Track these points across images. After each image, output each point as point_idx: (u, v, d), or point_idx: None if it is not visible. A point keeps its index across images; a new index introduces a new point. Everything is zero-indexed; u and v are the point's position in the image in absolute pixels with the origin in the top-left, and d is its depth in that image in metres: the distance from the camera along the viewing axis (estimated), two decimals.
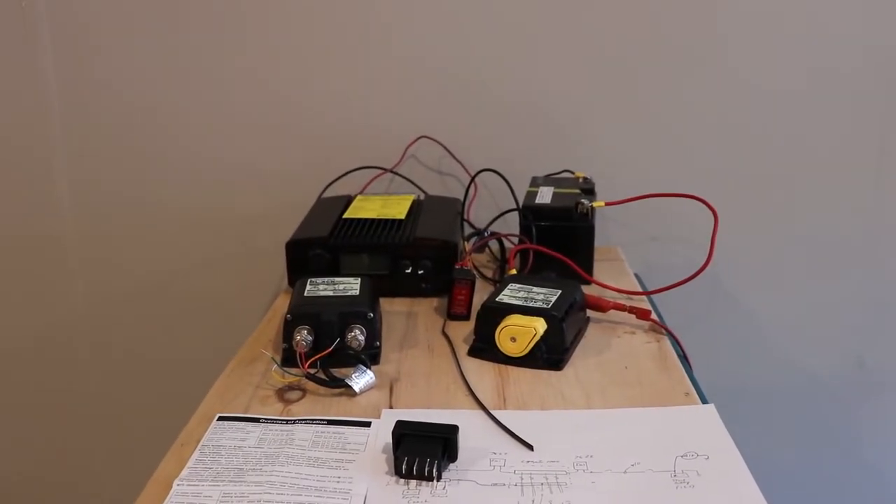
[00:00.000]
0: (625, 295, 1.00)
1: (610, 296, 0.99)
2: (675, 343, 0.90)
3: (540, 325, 0.82)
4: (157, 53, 1.24)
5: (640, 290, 1.03)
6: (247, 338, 0.92)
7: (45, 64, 1.25)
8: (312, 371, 0.80)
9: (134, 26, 1.23)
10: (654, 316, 0.93)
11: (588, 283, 1.01)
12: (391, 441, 0.67)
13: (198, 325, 1.35)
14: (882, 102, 1.22)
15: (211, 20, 1.23)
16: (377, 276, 0.99)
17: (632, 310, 0.92)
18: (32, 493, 1.41)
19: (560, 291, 0.87)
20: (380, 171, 1.26)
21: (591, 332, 0.91)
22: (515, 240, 1.07)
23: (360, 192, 1.24)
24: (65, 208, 1.30)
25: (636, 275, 1.13)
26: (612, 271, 1.10)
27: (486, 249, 1.16)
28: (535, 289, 0.88)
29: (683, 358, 0.87)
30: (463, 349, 0.87)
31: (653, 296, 1.02)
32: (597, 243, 1.05)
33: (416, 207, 1.14)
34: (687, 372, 0.83)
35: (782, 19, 1.21)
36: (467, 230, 1.14)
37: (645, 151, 1.26)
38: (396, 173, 1.27)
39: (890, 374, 1.31)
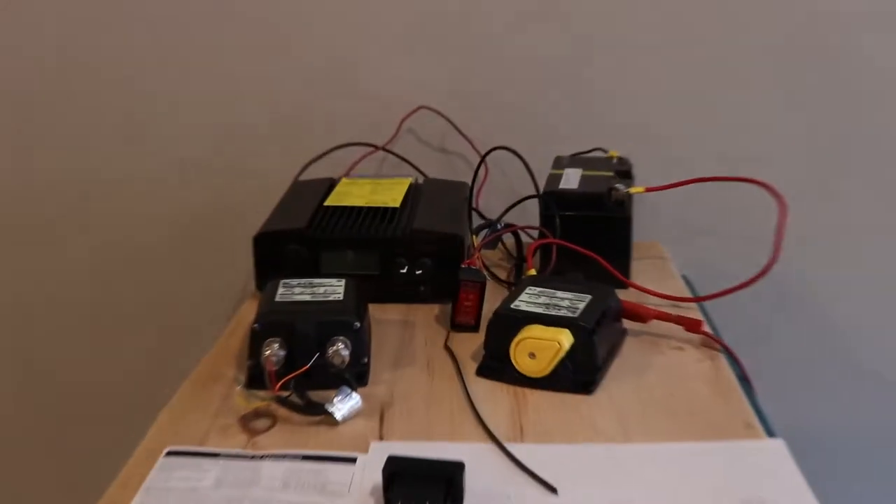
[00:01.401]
0: (670, 301, 1.00)
1: (652, 302, 0.99)
2: (734, 362, 0.89)
3: (565, 339, 0.82)
4: (97, 11, 1.25)
5: (689, 295, 1.03)
6: (204, 353, 0.92)
7: None
8: (285, 394, 0.79)
9: None
10: (706, 328, 0.93)
11: (625, 286, 1.01)
12: (381, 481, 0.66)
13: (142, 338, 1.34)
14: None
15: None
16: (365, 276, 0.99)
17: (679, 320, 0.92)
18: None
19: (590, 297, 0.87)
20: (369, 149, 1.26)
21: (629, 347, 0.91)
22: (535, 233, 1.07)
23: (346, 175, 1.24)
24: None
25: (684, 277, 1.12)
26: (655, 272, 1.10)
27: (500, 245, 1.16)
28: (560, 293, 0.88)
29: (744, 380, 0.86)
30: (471, 367, 0.87)
31: (705, 303, 1.01)
32: (636, 237, 1.05)
33: (413, 193, 1.14)
34: (748, 398, 0.82)
35: None
36: (476, 221, 1.13)
37: (695, 125, 1.26)
38: (390, 151, 1.27)
39: None
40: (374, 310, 0.98)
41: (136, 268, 1.32)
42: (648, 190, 1.04)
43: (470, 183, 1.15)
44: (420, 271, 1.00)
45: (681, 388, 0.83)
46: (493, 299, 0.98)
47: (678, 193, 1.10)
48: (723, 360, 0.88)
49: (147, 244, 1.32)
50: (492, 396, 0.82)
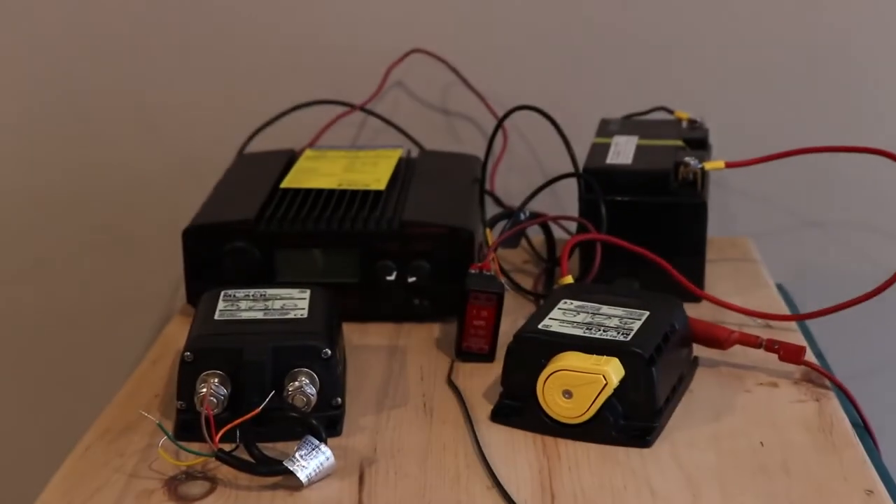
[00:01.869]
0: (760, 320, 1.00)
1: (733, 321, 0.99)
2: (850, 404, 0.90)
3: (613, 371, 0.82)
4: None
5: (785, 311, 1.03)
6: (115, 391, 0.92)
7: None
8: (228, 447, 0.79)
9: None
10: (810, 356, 0.93)
11: (697, 299, 1.01)
12: None
13: (30, 369, 1.35)
14: None
15: None
16: (339, 286, 0.99)
17: (772, 346, 0.92)
18: None
19: (647, 314, 0.87)
20: (343, 110, 1.26)
21: (701, 382, 0.91)
22: (572, 227, 1.07)
23: (310, 145, 1.24)
24: None
25: (779, 286, 1.12)
26: (739, 279, 1.10)
27: (523, 242, 1.16)
28: (605, 309, 0.88)
29: (864, 429, 0.86)
30: (483, 409, 0.87)
31: (809, 322, 1.02)
32: (713, 231, 1.05)
33: (404, 171, 1.14)
34: (869, 454, 0.82)
35: None
36: (491, 210, 1.13)
37: (795, 77, 1.26)
38: (371, 113, 1.27)
39: None
40: (352, 331, 0.98)
41: (25, 272, 1.33)
42: (731, 165, 1.03)
43: (482, 157, 1.15)
44: (414, 278, 1.00)
45: (774, 438, 0.83)
46: (513, 317, 0.98)
47: (771, 172, 1.11)
48: (833, 402, 0.88)
49: (42, 240, 1.32)
50: (512, 450, 0.82)
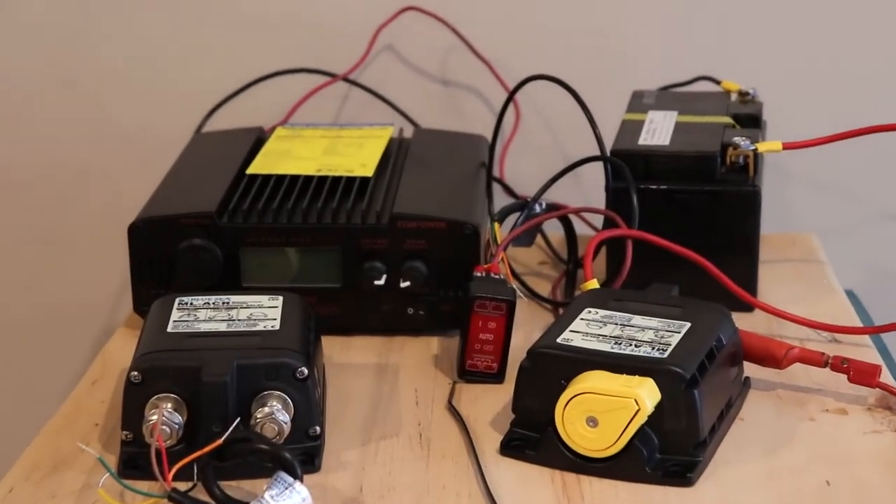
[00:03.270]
0: (825, 333, 1.00)
1: (792, 334, 0.99)
2: None
3: (647, 394, 0.81)
4: None
5: (857, 323, 1.03)
6: (46, 418, 0.92)
7: None
8: (183, 487, 0.78)
9: None
10: (886, 377, 0.93)
11: (749, 307, 1.01)
12: None
13: None
14: None
15: None
16: (318, 292, 0.99)
17: (839, 364, 0.92)
18: None
19: (688, 325, 0.87)
20: (323, 80, 1.26)
21: (754, 408, 0.91)
22: (598, 221, 1.07)
23: (283, 122, 1.24)
24: None
25: (849, 292, 1.12)
26: (800, 284, 1.10)
27: (539, 239, 1.16)
28: (638, 320, 0.88)
29: None
30: (491, 440, 0.87)
31: (884, 335, 1.02)
32: (769, 227, 1.05)
33: (395, 153, 1.14)
34: None
35: None
36: (500, 201, 1.13)
37: (868, 40, 1.26)
38: (356, 83, 1.28)
39: None
40: (333, 346, 0.99)
41: None
42: (790, 147, 1.03)
43: (489, 137, 1.15)
44: (408, 283, 1.01)
45: (843, 476, 0.83)
46: (527, 329, 0.99)
47: (839, 155, 1.12)
48: None
49: None
50: (525, 489, 0.82)
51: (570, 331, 0.87)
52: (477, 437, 0.88)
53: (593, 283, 0.96)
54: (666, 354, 0.84)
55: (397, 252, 1.01)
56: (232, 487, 0.80)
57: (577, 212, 1.11)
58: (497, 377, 0.95)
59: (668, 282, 0.98)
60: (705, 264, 0.99)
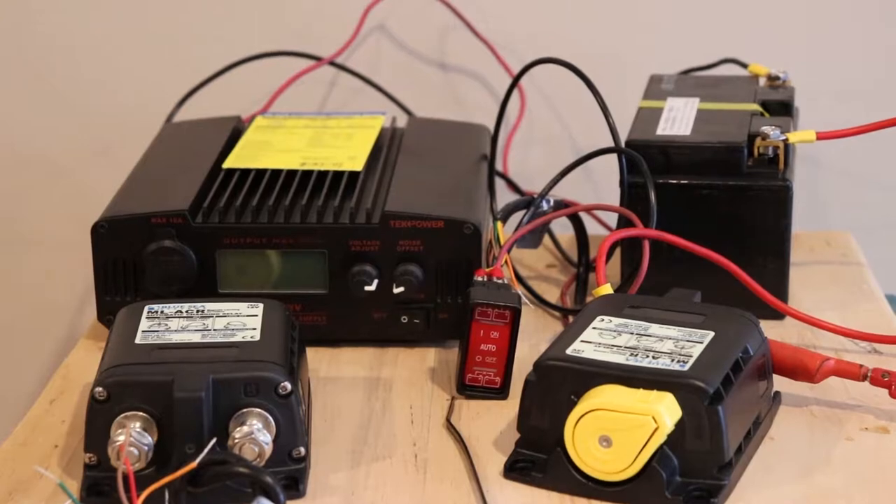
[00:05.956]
0: (864, 344, 1.00)
1: (827, 344, 0.99)
2: None
3: (666, 411, 0.81)
4: None
5: None
6: (0, 440, 0.91)
7: None
8: None
9: None
10: None
11: (779, 314, 1.01)
12: None
13: None
14: None
15: None
16: (302, 298, 0.99)
17: (879, 378, 0.91)
18: None
19: (711, 335, 0.86)
20: (308, 64, 1.27)
21: (786, 426, 0.90)
22: (612, 220, 1.06)
23: (263, 111, 1.24)
24: None
25: (890, 297, 1.11)
26: (836, 288, 1.10)
27: (546, 240, 1.16)
28: (655, 328, 0.87)
29: None
30: (494, 462, 0.86)
31: None
32: (801, 225, 1.05)
33: (388, 145, 1.13)
34: None
35: None
36: (504, 197, 1.13)
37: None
38: (343, 68, 1.28)
39: None
40: (319, 358, 0.98)
41: None
42: (824, 137, 1.03)
43: (492, 127, 1.14)
44: (401, 288, 1.00)
45: (883, 500, 0.82)
46: (533, 340, 0.98)
47: (878, 146, 1.11)
48: None
49: None
50: None
51: (581, 341, 0.86)
52: (478, 459, 0.87)
53: (606, 289, 0.95)
54: (687, 367, 0.83)
55: (390, 254, 1.00)
56: None
57: (589, 209, 1.10)
58: (500, 392, 0.94)
59: (689, 287, 0.97)
60: (731, 267, 0.98)
